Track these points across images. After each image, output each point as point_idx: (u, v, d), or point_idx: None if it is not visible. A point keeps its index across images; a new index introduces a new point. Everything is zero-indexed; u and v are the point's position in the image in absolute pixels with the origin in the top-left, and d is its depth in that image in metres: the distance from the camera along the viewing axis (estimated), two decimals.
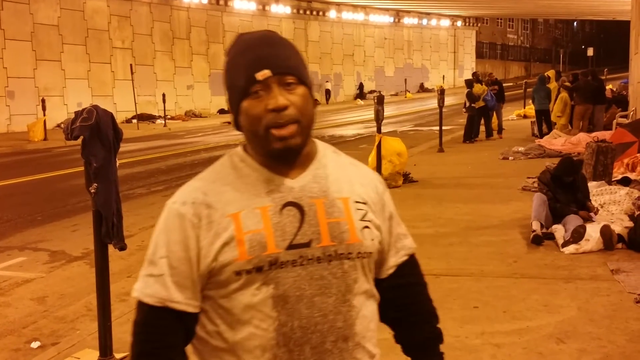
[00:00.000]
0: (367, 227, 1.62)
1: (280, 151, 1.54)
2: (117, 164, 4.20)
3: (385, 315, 1.77)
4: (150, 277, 1.57)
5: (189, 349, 1.64)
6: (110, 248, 4.39)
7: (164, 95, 28.28)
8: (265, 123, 1.52)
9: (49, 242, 8.53)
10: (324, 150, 1.68)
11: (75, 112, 4.08)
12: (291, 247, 1.53)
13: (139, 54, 32.31)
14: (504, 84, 21.17)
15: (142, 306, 1.58)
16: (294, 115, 1.53)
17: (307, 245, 1.54)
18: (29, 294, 6.52)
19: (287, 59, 1.57)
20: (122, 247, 4.37)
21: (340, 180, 1.64)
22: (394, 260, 1.76)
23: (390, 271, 1.75)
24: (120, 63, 31.11)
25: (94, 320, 4.84)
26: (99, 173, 4.02)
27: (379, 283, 1.73)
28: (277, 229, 1.53)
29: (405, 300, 1.79)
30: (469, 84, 18.67)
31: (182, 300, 1.55)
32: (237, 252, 1.51)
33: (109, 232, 4.18)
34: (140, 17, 32.76)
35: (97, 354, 4.44)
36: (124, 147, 4.23)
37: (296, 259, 1.53)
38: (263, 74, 1.52)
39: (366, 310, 1.63)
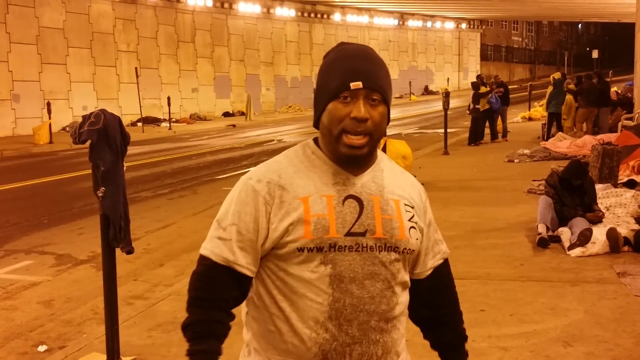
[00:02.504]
0: (413, 227, 1.83)
1: (346, 156, 1.75)
2: (125, 168, 4.21)
3: (419, 313, 1.99)
4: (220, 240, 1.78)
5: (243, 314, 1.87)
6: (116, 251, 4.40)
7: (169, 98, 28.31)
8: (342, 126, 1.72)
9: (55, 246, 8.54)
10: (381, 156, 1.90)
11: (82, 116, 4.09)
12: (349, 234, 1.73)
13: (144, 57, 32.35)
14: (508, 87, 21.14)
15: (207, 260, 1.78)
16: (370, 128, 1.72)
17: (362, 234, 1.74)
18: (35, 298, 6.54)
19: (379, 78, 1.76)
20: (130, 251, 4.38)
21: (393, 184, 1.85)
22: (432, 262, 1.96)
23: (428, 272, 1.95)
24: (125, 66, 31.16)
25: (101, 324, 4.85)
26: (107, 177, 4.02)
27: (417, 283, 1.94)
28: (339, 217, 1.73)
29: (441, 301, 2.00)
30: (475, 86, 18.66)
31: (244, 264, 1.76)
32: (303, 231, 1.71)
33: (116, 235, 4.18)
34: (145, 20, 32.80)
35: (104, 357, 4.44)
36: (129, 150, 4.23)
37: (352, 245, 1.73)
38: (356, 84, 1.70)
39: (403, 298, 1.84)
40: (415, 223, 1.84)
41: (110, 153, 4.01)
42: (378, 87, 1.73)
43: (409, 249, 1.81)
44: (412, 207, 1.85)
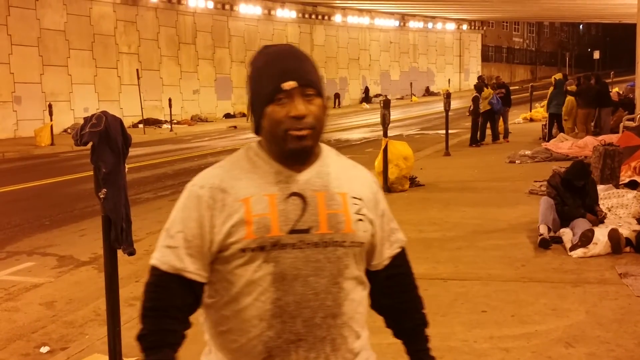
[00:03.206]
0: (360, 219, 1.83)
1: (295, 150, 1.76)
2: (126, 170, 4.21)
3: (379, 302, 2.00)
4: (168, 248, 1.80)
5: (201, 318, 1.88)
6: (118, 253, 4.40)
7: (170, 100, 28.34)
8: (285, 127, 1.74)
9: (57, 247, 8.55)
10: (327, 152, 1.90)
11: (84, 118, 4.09)
12: (293, 231, 1.74)
13: (145, 58, 32.39)
14: (510, 88, 21.13)
15: (156, 270, 1.81)
16: (311, 122, 1.76)
17: (306, 231, 1.75)
18: (37, 299, 6.55)
19: (310, 73, 1.80)
20: (132, 252, 4.38)
21: (340, 178, 1.85)
22: (389, 252, 1.97)
23: (386, 262, 1.97)
24: (126, 68, 31.20)
25: (103, 325, 4.85)
26: (108, 179, 4.02)
27: (375, 274, 1.95)
28: (282, 215, 1.75)
29: (398, 289, 2.01)
30: (478, 88, 18.64)
31: (194, 271, 1.78)
32: (245, 232, 1.73)
33: (118, 237, 4.19)
34: (146, 22, 32.84)
35: (106, 358, 4.44)
36: (130, 151, 4.23)
37: (296, 243, 1.74)
38: (289, 84, 1.74)
39: (355, 294, 1.83)
40: (364, 215, 1.84)
41: (111, 155, 4.01)
42: (310, 81, 1.77)
43: (357, 242, 1.81)
44: (360, 199, 1.85)
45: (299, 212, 1.76)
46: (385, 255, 1.96)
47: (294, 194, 1.77)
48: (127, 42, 31.77)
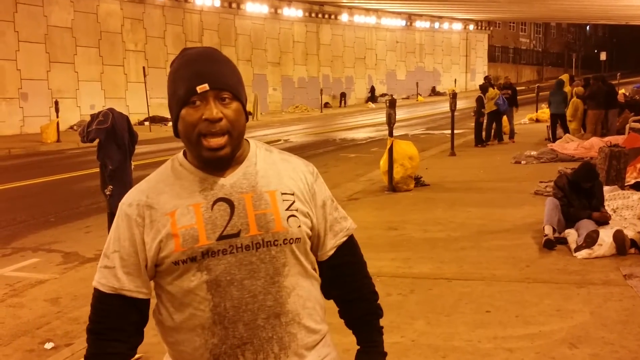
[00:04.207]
0: (293, 215, 1.81)
1: (209, 160, 1.76)
2: (132, 166, 4.23)
3: (329, 293, 1.98)
4: (105, 269, 1.81)
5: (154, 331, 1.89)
6: None
7: None
8: (198, 130, 1.73)
9: (62, 244, 8.57)
10: (255, 149, 1.89)
11: (91, 115, 4.12)
12: (221, 237, 1.74)
13: (152, 56, 32.44)
14: (516, 88, 21.07)
15: (97, 292, 1.82)
16: (226, 127, 1.74)
17: (236, 235, 1.74)
18: (42, 295, 6.57)
19: (225, 76, 1.78)
20: None
21: (269, 175, 1.83)
22: (333, 242, 1.95)
23: (330, 253, 1.94)
24: (133, 65, 31.27)
25: None
26: (115, 175, 4.05)
27: (321, 265, 1.95)
28: (208, 223, 1.74)
29: (344, 279, 1.98)
30: (483, 88, 18.62)
31: (133, 289, 1.79)
32: (173, 245, 1.73)
33: None
34: (153, 20, 32.89)
35: None
36: (136, 149, 4.25)
37: (226, 248, 1.74)
38: (202, 87, 1.72)
39: (301, 290, 1.83)
40: (296, 210, 1.82)
41: (118, 152, 4.04)
42: (225, 85, 1.76)
43: (291, 239, 1.79)
44: (292, 194, 1.83)
45: (227, 217, 1.75)
46: (328, 246, 1.94)
47: (220, 199, 1.76)
48: (133, 39, 31.83)
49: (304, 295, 1.83)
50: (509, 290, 5.86)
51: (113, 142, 4.00)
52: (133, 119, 27.03)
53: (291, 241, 1.80)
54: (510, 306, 5.43)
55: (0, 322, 5.87)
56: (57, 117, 23.38)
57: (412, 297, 5.78)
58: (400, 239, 7.75)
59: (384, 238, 7.85)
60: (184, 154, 1.85)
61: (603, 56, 55.15)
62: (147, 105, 27.37)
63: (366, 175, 13.01)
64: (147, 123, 27.86)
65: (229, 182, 1.79)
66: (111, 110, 4.04)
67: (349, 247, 1.99)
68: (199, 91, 1.71)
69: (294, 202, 1.82)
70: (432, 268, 6.63)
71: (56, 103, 23.63)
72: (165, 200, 1.77)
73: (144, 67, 27.76)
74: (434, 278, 6.28)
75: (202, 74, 1.74)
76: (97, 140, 3.98)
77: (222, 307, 1.73)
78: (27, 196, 12.44)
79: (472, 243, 7.57)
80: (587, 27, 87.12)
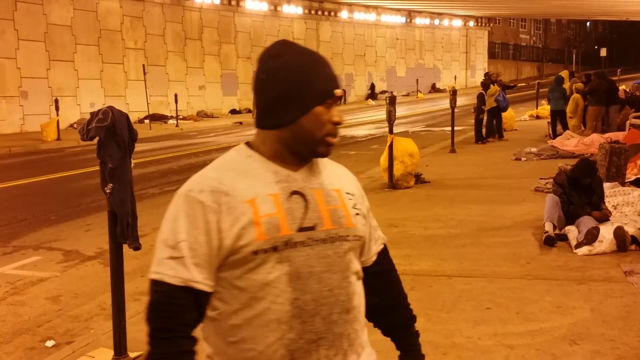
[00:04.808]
0: (357, 213, 1.86)
1: (323, 154, 1.83)
2: (132, 165, 4.23)
3: (368, 301, 1.94)
4: (171, 260, 1.69)
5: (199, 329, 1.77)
6: (124, 247, 4.42)
7: (176, 95, 28.37)
8: (326, 131, 1.79)
9: (62, 242, 8.58)
10: None
11: (90, 113, 4.11)
12: (301, 229, 1.73)
13: (152, 54, 32.43)
14: (517, 85, 21.03)
15: (161, 286, 1.69)
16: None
17: (312, 228, 1.74)
18: (43, 293, 6.57)
19: None
20: (137, 247, 4.41)
21: (331, 175, 1.88)
22: (375, 248, 2.00)
23: (374, 258, 1.99)
24: (132, 63, 31.26)
25: (108, 320, 4.88)
26: (115, 173, 4.04)
27: (364, 271, 1.93)
28: (289, 214, 1.73)
29: (386, 286, 2.03)
30: (484, 85, 18.60)
31: (201, 280, 1.69)
32: (255, 233, 1.68)
33: (124, 232, 4.21)
34: (153, 17, 32.87)
35: (111, 352, 4.47)
36: (136, 147, 4.25)
37: (305, 240, 1.72)
38: (339, 92, 1.82)
39: (359, 288, 1.86)
40: (359, 209, 1.87)
41: (118, 150, 4.03)
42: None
43: (358, 236, 1.84)
44: (353, 195, 1.88)
45: (303, 210, 1.74)
46: (372, 251, 1.98)
47: (295, 192, 1.76)
48: (133, 37, 31.81)
49: (360, 294, 1.86)
50: (510, 287, 5.87)
51: (113, 140, 3.99)
52: (133, 117, 27.12)
53: (357, 238, 1.85)
54: (510, 303, 5.44)
55: (1, 320, 5.87)
56: (57, 115, 23.37)
57: (413, 294, 5.77)
58: (400, 236, 7.74)
59: (385, 235, 7.83)
60: (248, 145, 1.84)
61: (603, 52, 55.15)
62: (147, 103, 27.36)
63: (366, 173, 13.00)
64: (147, 121, 27.86)
65: (299, 176, 1.80)
66: (111, 108, 4.03)
67: (387, 254, 2.06)
68: (337, 95, 1.81)
69: (356, 202, 1.88)
70: (433, 265, 6.64)
71: (56, 101, 23.62)
72: (242, 188, 1.72)
73: (143, 65, 27.75)
74: (434, 275, 6.28)
75: (336, 79, 1.83)
76: (97, 138, 3.99)
77: (303, 301, 1.69)
78: (28, 194, 12.44)
79: (473, 240, 7.58)
80: (588, 24, 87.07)
